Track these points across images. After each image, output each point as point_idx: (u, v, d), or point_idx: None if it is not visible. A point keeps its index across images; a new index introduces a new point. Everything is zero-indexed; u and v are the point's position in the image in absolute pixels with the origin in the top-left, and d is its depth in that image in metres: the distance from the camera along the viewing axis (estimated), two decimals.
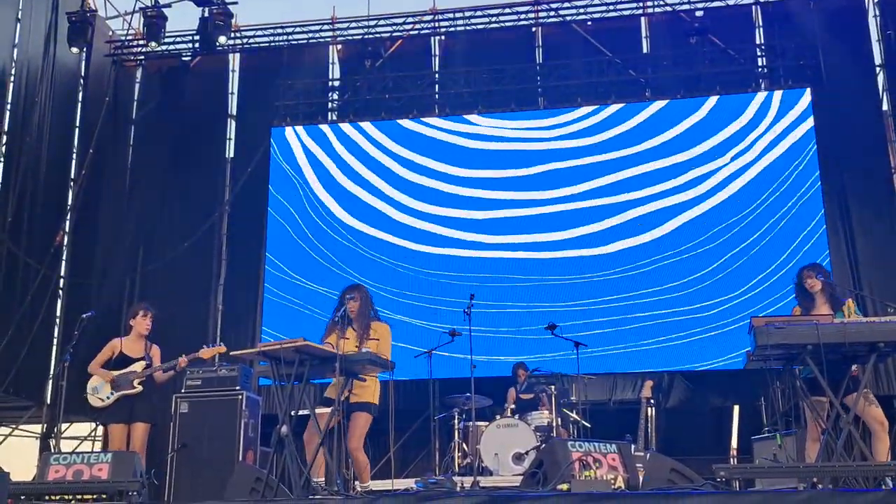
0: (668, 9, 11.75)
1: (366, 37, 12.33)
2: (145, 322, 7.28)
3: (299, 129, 12.01)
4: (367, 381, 6.41)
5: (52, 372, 11.12)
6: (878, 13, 11.27)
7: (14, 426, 11.27)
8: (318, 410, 6.45)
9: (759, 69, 11.48)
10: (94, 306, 8.78)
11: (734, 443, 8.59)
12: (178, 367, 7.17)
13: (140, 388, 7.07)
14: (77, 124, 12.40)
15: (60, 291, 11.63)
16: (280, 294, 11.31)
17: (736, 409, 8.87)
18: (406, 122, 11.78)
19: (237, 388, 7.53)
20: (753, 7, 11.73)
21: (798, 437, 7.34)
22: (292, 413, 5.75)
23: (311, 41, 12.56)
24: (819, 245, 10.26)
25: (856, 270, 10.35)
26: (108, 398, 7.07)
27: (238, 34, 12.47)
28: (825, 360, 5.31)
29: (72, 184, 12.05)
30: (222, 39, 11.66)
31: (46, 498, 5.89)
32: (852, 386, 5.68)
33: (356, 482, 6.48)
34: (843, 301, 6.22)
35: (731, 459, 8.41)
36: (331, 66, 12.65)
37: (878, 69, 11.17)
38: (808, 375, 5.64)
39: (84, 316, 7.56)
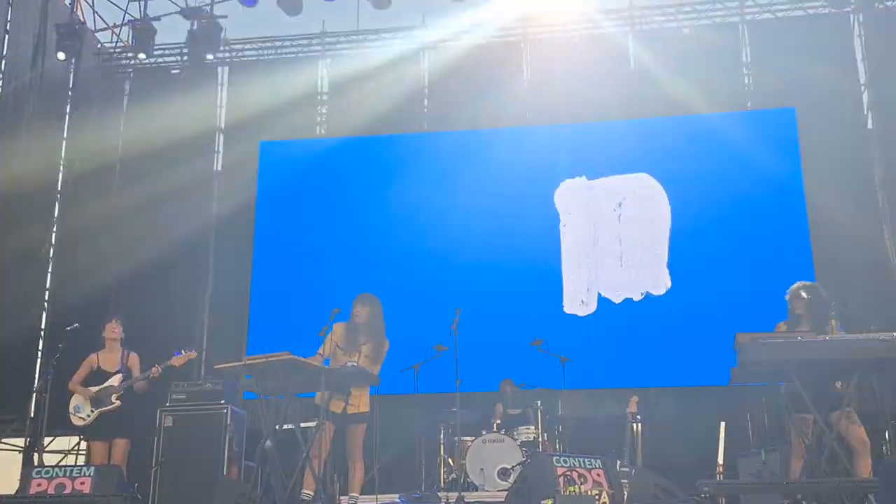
0: (656, 25, 11.83)
1: (355, 51, 12.36)
2: (116, 328, 7.27)
3: (288, 142, 12.01)
4: (361, 391, 6.42)
5: (35, 385, 11.05)
6: (862, 32, 11.37)
7: None
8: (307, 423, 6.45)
9: (745, 87, 11.55)
10: (79, 319, 8.72)
11: (720, 459, 8.59)
12: (151, 375, 7.15)
13: (118, 402, 7.05)
14: (65, 136, 12.37)
15: (45, 304, 11.56)
16: (267, 307, 11.27)
17: (722, 425, 8.88)
18: (396, 137, 11.79)
19: (222, 402, 7.51)
20: (740, 25, 11.82)
21: (782, 454, 7.35)
22: (277, 427, 5.74)
23: (300, 55, 12.59)
24: (805, 263, 10.28)
25: (842, 289, 10.38)
26: (88, 416, 7.05)
27: (227, 48, 12.48)
28: (809, 376, 5.34)
29: (58, 195, 12.01)
30: (210, 54, 11.65)
31: None
32: (836, 403, 5.70)
33: (341, 497, 6.47)
34: (826, 319, 6.24)
35: (718, 476, 8.41)
36: (320, 81, 12.67)
37: (862, 88, 11.26)
38: (792, 391, 5.66)
39: (68, 329, 7.53)
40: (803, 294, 6.29)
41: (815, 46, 11.21)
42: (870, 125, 11.18)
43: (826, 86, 11.03)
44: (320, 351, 6.42)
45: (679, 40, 11.66)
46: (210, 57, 11.72)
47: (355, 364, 6.15)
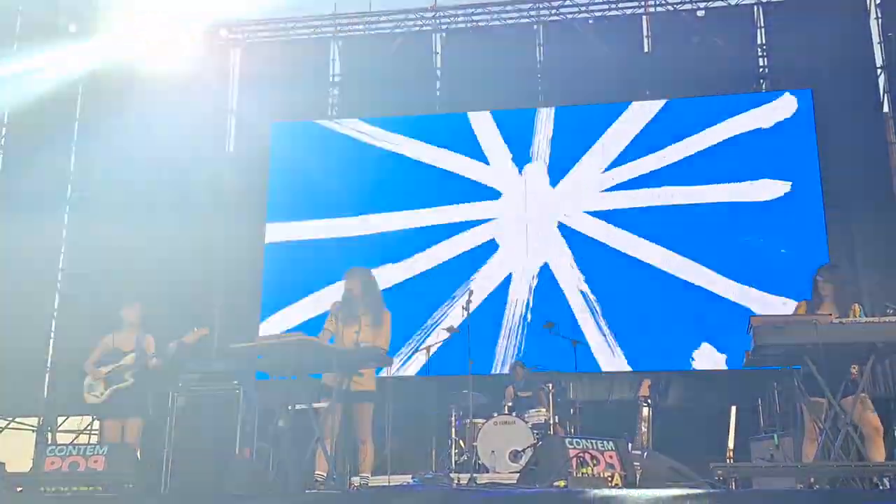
0: (670, 8, 11.74)
1: (367, 33, 12.31)
2: (135, 311, 7.30)
3: (299, 124, 11.99)
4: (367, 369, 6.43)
5: (48, 364, 11.11)
6: (879, 14, 11.25)
7: (11, 418, 11.26)
8: (319, 404, 6.46)
9: (761, 69, 11.45)
10: (92, 300, 8.75)
11: (731, 443, 8.59)
12: (188, 339, 7.20)
13: (131, 380, 7.07)
14: (77, 117, 12.38)
15: (58, 284, 11.61)
16: (279, 288, 11.29)
17: (733, 409, 8.87)
18: (407, 118, 11.76)
19: (235, 382, 7.52)
20: (755, 7, 11.71)
21: (795, 438, 7.34)
22: (289, 407, 5.75)
23: (312, 37, 12.55)
24: (819, 246, 10.24)
25: (856, 272, 10.33)
26: (101, 394, 7.09)
27: (239, 29, 12.43)
28: (823, 360, 5.31)
29: (70, 177, 12.03)
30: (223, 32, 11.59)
31: (42, 489, 5.89)
32: (850, 387, 5.67)
33: (352, 477, 6.48)
34: (849, 305, 6.19)
35: (728, 460, 8.40)
36: (332, 62, 12.62)
37: (878, 71, 11.16)
38: (807, 374, 5.63)
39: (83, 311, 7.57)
40: (830, 276, 6.23)
41: (831, 28, 11.10)
42: (886, 108, 11.08)
43: (842, 68, 10.94)
44: (326, 326, 6.45)
45: (694, 22, 11.56)
46: (224, 34, 11.61)
47: (368, 344, 6.15)
